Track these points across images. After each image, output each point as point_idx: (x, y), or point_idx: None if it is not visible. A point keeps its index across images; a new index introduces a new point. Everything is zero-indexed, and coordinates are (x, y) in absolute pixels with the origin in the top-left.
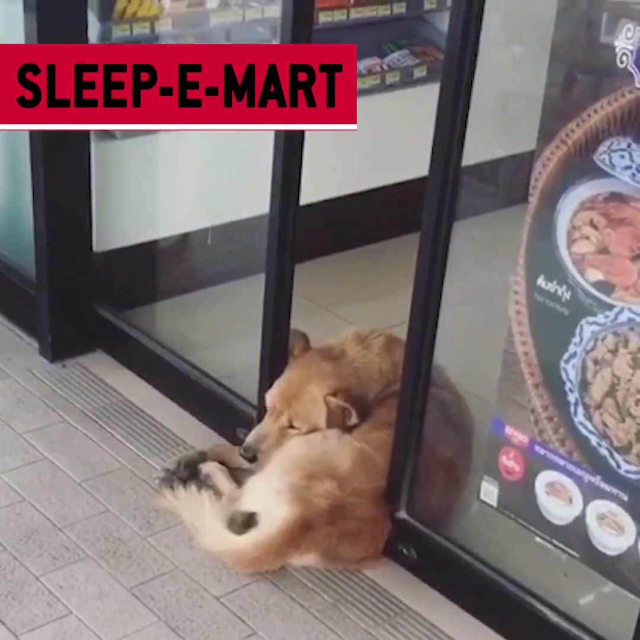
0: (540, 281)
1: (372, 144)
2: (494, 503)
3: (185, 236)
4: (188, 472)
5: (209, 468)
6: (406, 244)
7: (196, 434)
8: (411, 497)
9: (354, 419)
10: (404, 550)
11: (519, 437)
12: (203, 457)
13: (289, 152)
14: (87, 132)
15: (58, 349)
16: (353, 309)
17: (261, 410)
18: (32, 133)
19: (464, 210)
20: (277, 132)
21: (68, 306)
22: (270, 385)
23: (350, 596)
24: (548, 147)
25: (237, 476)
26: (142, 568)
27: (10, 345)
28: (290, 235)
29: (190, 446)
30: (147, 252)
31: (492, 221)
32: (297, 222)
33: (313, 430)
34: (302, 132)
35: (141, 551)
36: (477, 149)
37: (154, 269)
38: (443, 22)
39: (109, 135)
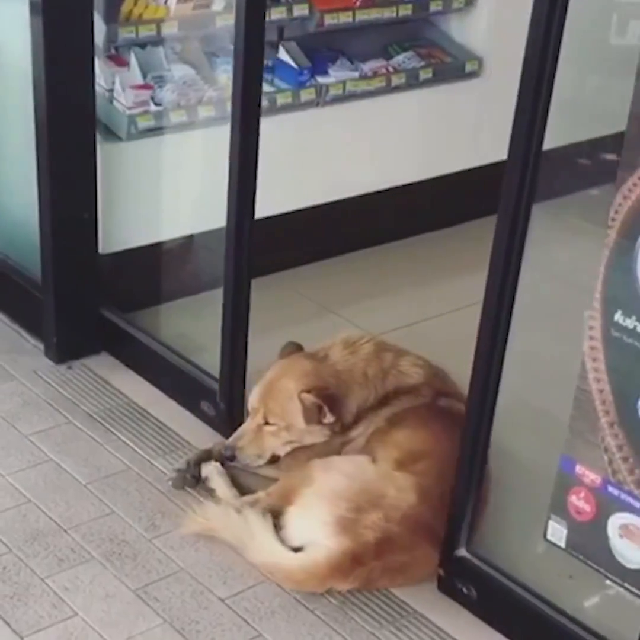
0: (618, 317)
1: (377, 146)
2: (562, 544)
3: (191, 238)
4: (199, 470)
5: (209, 470)
6: (410, 247)
7: (201, 435)
8: (471, 534)
9: (328, 417)
10: (464, 589)
11: (591, 476)
12: (209, 454)
13: (244, 168)
14: (93, 133)
15: (63, 350)
16: (357, 311)
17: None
18: (38, 134)
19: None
20: (231, 147)
21: (73, 308)
22: (228, 399)
23: (355, 598)
24: (630, 178)
25: (238, 481)
26: (147, 570)
27: (16, 347)
28: (246, 249)
29: (195, 447)
30: (152, 254)
31: None
32: (253, 236)
33: (289, 427)
34: (256, 146)
35: (146, 553)
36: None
37: (159, 271)
38: (448, 24)
39: (114, 136)
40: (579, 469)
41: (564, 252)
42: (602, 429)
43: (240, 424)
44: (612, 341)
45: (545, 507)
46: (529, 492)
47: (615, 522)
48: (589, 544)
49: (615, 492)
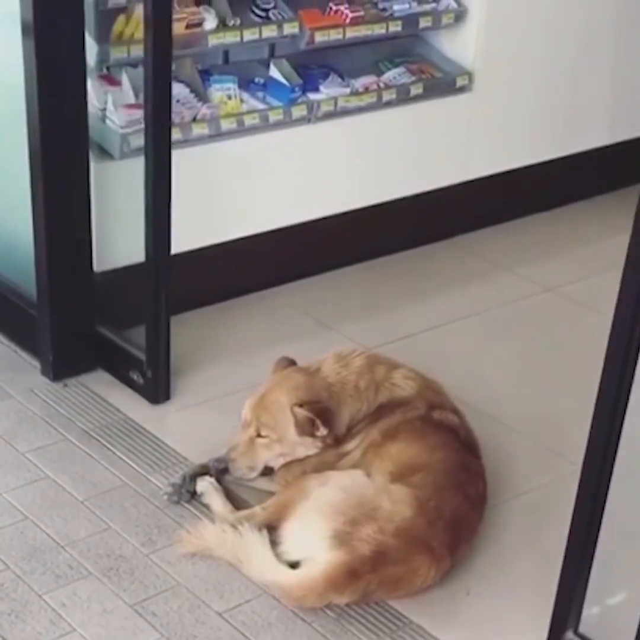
0: None
1: (369, 161)
2: None
3: (185, 254)
4: (194, 485)
5: (204, 486)
6: (403, 261)
7: (197, 450)
8: (580, 615)
9: (321, 431)
10: None
11: None
12: (205, 469)
13: (159, 201)
14: (86, 152)
15: (59, 368)
16: (352, 325)
17: None
18: (32, 153)
19: None
20: (146, 179)
21: (69, 326)
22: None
23: (352, 610)
24: None
25: (234, 495)
26: (144, 585)
27: (12, 365)
28: (164, 285)
29: (191, 463)
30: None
31: None
32: (171, 271)
33: (281, 439)
34: (169, 179)
35: (143, 568)
36: None
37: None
38: (439, 40)
39: (107, 155)
40: None
41: None
42: None
43: None
44: None
45: None
46: None
47: None
48: None
49: None
